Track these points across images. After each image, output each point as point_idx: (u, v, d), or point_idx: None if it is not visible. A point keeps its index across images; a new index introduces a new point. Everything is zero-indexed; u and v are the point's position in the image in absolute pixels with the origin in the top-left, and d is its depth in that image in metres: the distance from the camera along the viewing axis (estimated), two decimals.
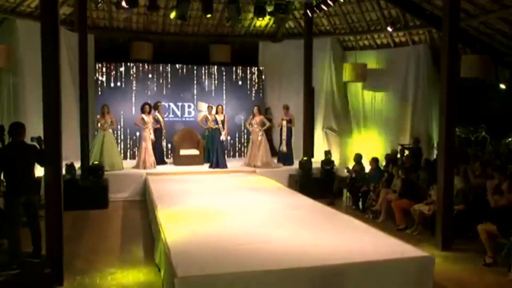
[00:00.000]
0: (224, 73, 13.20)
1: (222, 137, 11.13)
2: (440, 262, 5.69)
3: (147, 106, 10.96)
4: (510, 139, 11.33)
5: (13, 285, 4.88)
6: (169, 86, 12.78)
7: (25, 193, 5.61)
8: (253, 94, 13.39)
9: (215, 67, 13.12)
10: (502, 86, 11.04)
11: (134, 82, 12.51)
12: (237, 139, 13.32)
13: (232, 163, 11.77)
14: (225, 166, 11.08)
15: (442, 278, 5.33)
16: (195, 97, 13.00)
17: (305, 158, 11.07)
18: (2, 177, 5.69)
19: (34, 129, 6.19)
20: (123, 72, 12.41)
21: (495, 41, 10.48)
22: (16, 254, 5.51)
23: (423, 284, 4.67)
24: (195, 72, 12.98)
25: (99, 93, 12.16)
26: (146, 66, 12.61)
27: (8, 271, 5.23)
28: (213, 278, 4.15)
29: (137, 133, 11.90)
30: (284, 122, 11.58)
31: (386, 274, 4.56)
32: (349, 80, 12.74)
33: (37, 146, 5.81)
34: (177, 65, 12.86)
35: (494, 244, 6.00)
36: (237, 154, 13.32)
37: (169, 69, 12.78)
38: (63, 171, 7.42)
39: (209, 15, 10.52)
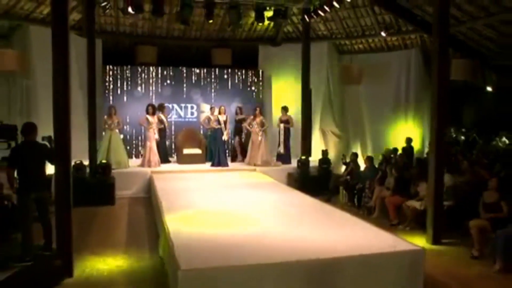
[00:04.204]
0: (225, 76, 13.42)
1: (224, 137, 11.39)
2: (431, 255, 5.76)
3: (151, 107, 11.23)
4: (498, 139, 11.53)
5: (25, 276, 4.96)
6: (172, 88, 13.00)
7: (37, 189, 5.79)
8: (253, 96, 13.63)
9: (217, 70, 13.36)
10: (489, 88, 11.30)
11: (139, 84, 12.80)
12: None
13: (233, 162, 12.04)
14: (226, 165, 11.32)
15: (432, 270, 5.50)
16: (198, 98, 13.24)
17: (303, 157, 11.30)
18: (15, 175, 5.87)
19: (45, 129, 6.26)
20: (129, 74, 12.69)
21: (482, 46, 10.73)
22: (28, 247, 5.70)
23: (415, 276, 4.78)
24: (197, 74, 13.23)
25: (106, 95, 12.43)
26: (151, 69, 12.86)
27: (21, 263, 5.42)
28: (215, 270, 4.23)
29: (143, 133, 12.13)
30: (282, 125, 11.80)
31: (380, 266, 4.68)
32: (345, 82, 13.00)
33: (48, 145, 5.97)
34: (181, 68, 13.13)
35: (484, 238, 6.14)
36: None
37: (172, 72, 13.05)
38: (72, 169, 7.62)
39: (211, 21, 10.94)
